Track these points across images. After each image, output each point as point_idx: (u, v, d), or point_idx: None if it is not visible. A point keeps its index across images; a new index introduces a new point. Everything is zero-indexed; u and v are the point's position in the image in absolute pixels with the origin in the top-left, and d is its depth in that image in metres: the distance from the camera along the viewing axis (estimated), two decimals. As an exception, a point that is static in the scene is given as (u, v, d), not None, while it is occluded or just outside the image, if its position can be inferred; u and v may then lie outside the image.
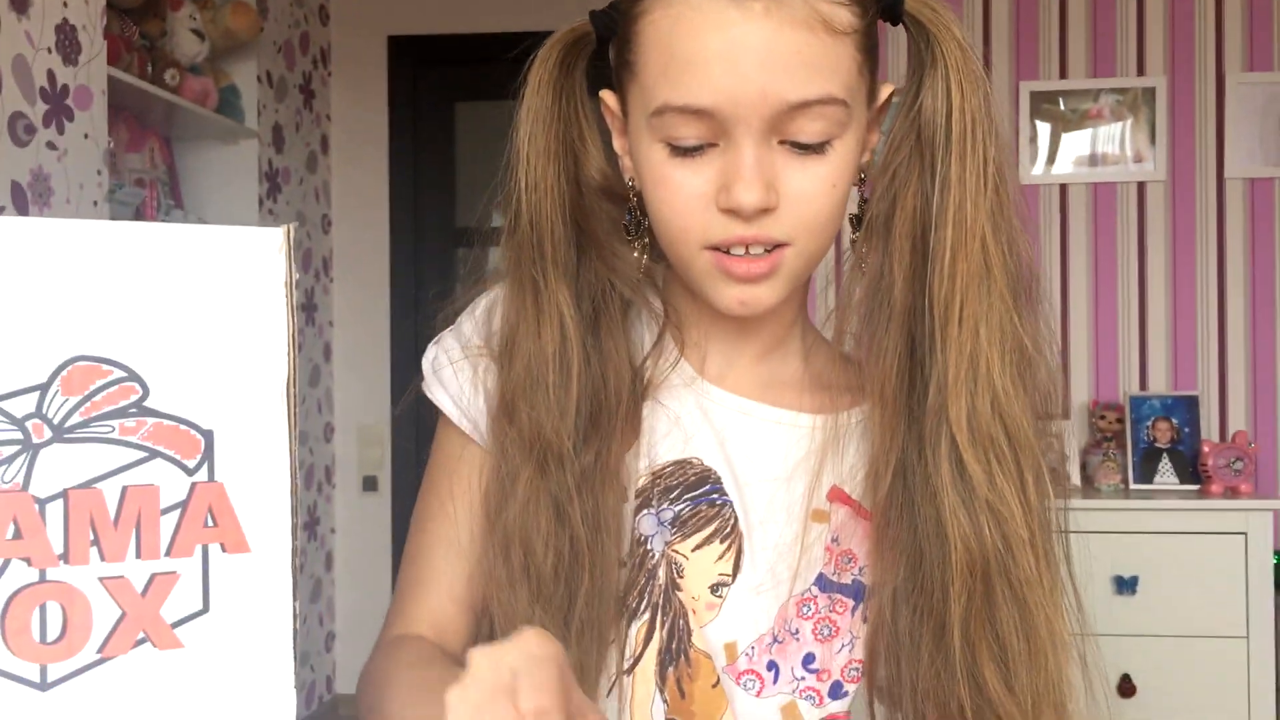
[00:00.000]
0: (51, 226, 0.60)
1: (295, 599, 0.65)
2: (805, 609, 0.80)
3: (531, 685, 0.54)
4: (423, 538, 0.86)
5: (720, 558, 0.80)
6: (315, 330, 3.83)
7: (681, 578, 0.80)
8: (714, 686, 0.80)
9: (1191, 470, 3.10)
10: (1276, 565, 2.84)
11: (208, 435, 0.63)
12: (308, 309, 3.77)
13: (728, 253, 0.75)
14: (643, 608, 0.80)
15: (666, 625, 0.80)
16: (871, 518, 0.80)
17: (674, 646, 0.80)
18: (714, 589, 0.80)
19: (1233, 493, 2.96)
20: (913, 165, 0.77)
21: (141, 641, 0.61)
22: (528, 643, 0.56)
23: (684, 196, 0.74)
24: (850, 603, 0.81)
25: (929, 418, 0.74)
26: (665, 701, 0.80)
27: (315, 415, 3.85)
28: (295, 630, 0.64)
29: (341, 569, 3.98)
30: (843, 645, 0.81)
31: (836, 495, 0.82)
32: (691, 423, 0.82)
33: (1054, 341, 0.80)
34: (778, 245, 0.75)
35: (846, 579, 0.81)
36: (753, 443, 0.81)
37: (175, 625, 0.62)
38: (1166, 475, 3.11)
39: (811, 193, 0.74)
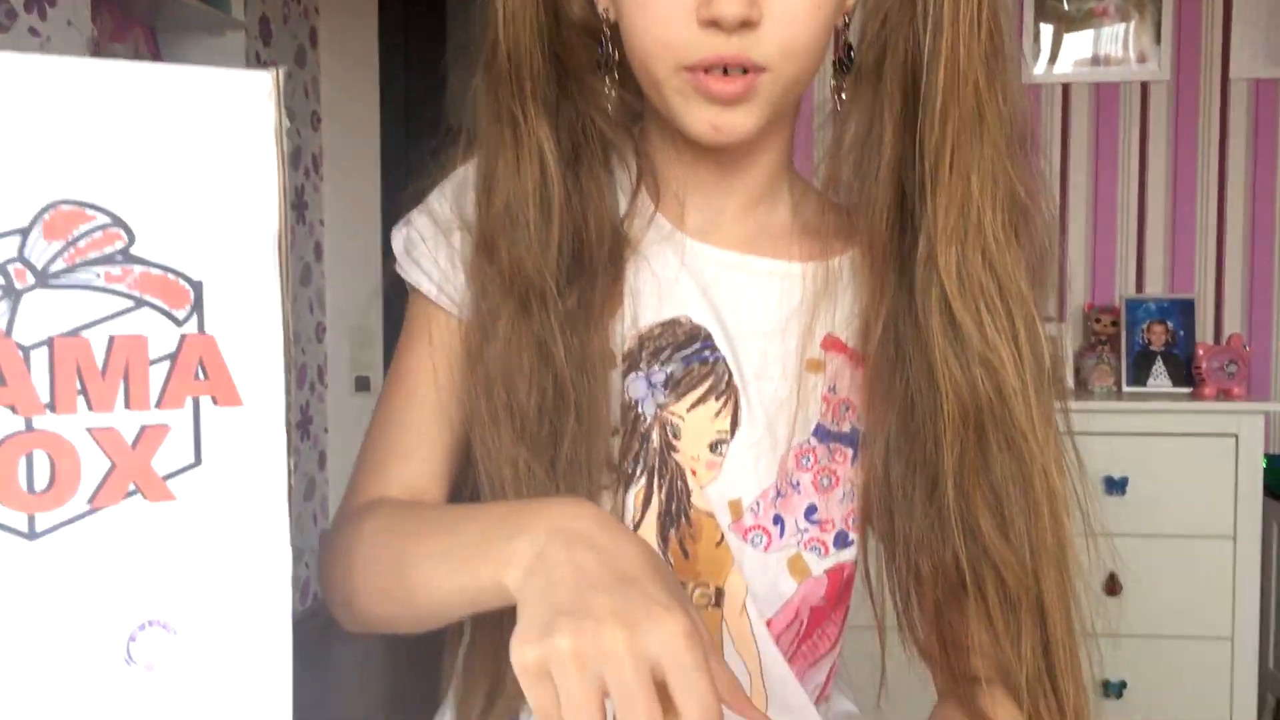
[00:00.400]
0: (31, 63, 0.58)
1: (290, 455, 0.63)
2: (804, 461, 0.79)
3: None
4: (401, 405, 0.84)
5: (717, 415, 0.79)
6: (306, 229, 3.79)
7: (678, 439, 0.79)
8: (718, 545, 0.79)
9: (1185, 373, 3.10)
10: (1266, 468, 2.86)
11: (196, 286, 0.61)
12: (298, 208, 3.73)
13: (705, 73, 0.72)
14: (638, 472, 0.79)
15: (664, 488, 0.79)
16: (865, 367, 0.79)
17: (673, 508, 0.79)
18: (713, 447, 0.79)
19: (1225, 395, 2.97)
20: (905, 8, 0.74)
21: (132, 493, 0.60)
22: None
23: (664, 8, 0.71)
24: (849, 452, 0.80)
25: (919, 268, 0.73)
26: (670, 564, 0.80)
27: (306, 315, 3.83)
28: (290, 486, 0.63)
29: (335, 469, 4.00)
30: (844, 495, 0.80)
31: (831, 343, 0.80)
32: (676, 280, 0.80)
33: (1050, 197, 0.78)
34: (756, 70, 0.72)
35: (845, 427, 0.80)
36: (742, 296, 0.80)
37: (167, 478, 0.60)
38: (1160, 378, 3.11)
39: (794, 13, 0.71)
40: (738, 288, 0.80)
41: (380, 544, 0.75)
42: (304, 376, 3.83)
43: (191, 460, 0.61)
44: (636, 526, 0.79)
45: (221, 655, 0.61)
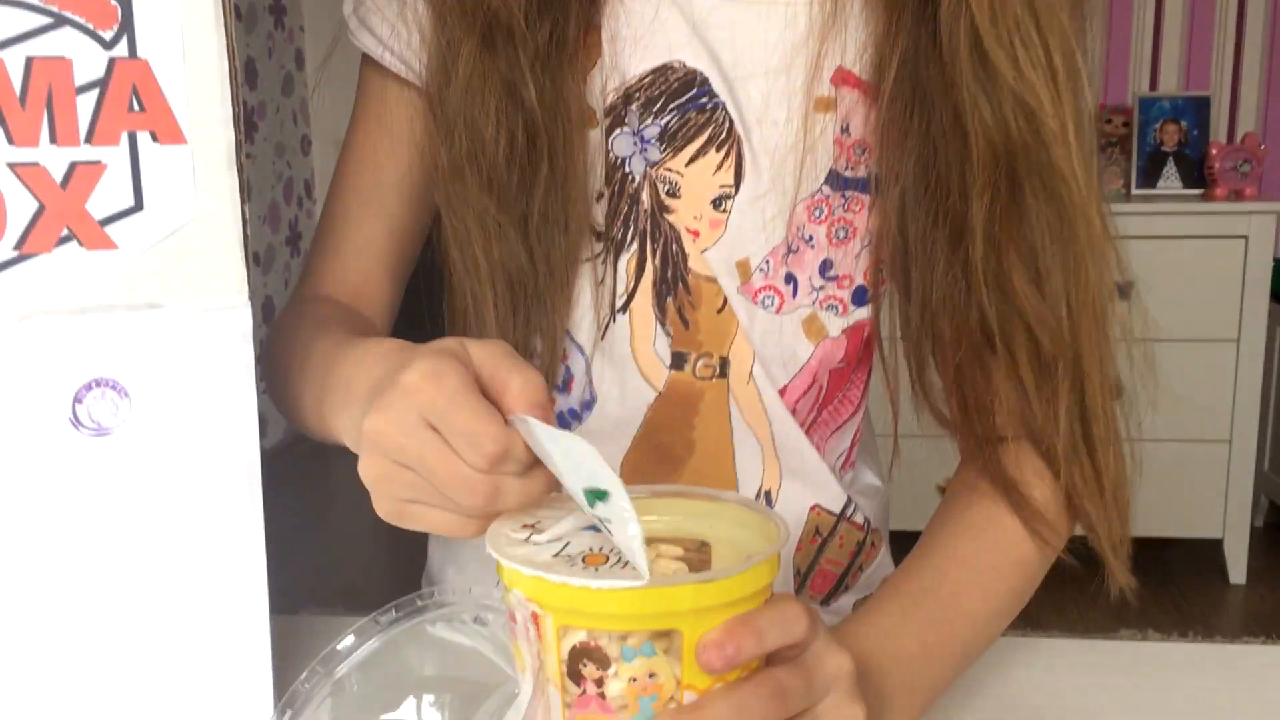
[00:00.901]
0: None
1: (243, 200, 0.57)
2: (817, 212, 0.72)
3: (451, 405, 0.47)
4: (343, 191, 0.78)
5: (719, 168, 0.71)
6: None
7: (677, 198, 0.72)
8: (719, 312, 0.74)
9: (1196, 174, 3.01)
10: (1274, 271, 2.80)
11: (124, 2, 0.53)
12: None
13: None
14: (629, 238, 0.73)
15: (658, 253, 0.73)
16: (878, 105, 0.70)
17: (670, 275, 0.73)
18: (716, 203, 0.72)
19: (1237, 196, 2.89)
20: None
21: (67, 239, 0.54)
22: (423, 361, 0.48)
23: None
24: (866, 199, 0.72)
25: None
26: (669, 334, 0.75)
27: (290, 127, 3.71)
28: (245, 235, 0.57)
29: (327, 286, 3.94)
30: (862, 247, 0.73)
31: (843, 78, 0.72)
32: (660, 20, 0.71)
33: None
34: None
35: (860, 172, 0.72)
36: (739, 31, 0.71)
37: (105, 223, 0.54)
38: (1171, 180, 3.02)
39: None
40: (734, 22, 0.71)
41: (282, 362, 0.72)
42: (290, 191, 3.74)
43: (131, 204, 0.55)
44: (630, 297, 0.74)
45: (179, 419, 0.56)
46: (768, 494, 0.78)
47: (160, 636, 0.57)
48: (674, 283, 0.73)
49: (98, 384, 0.55)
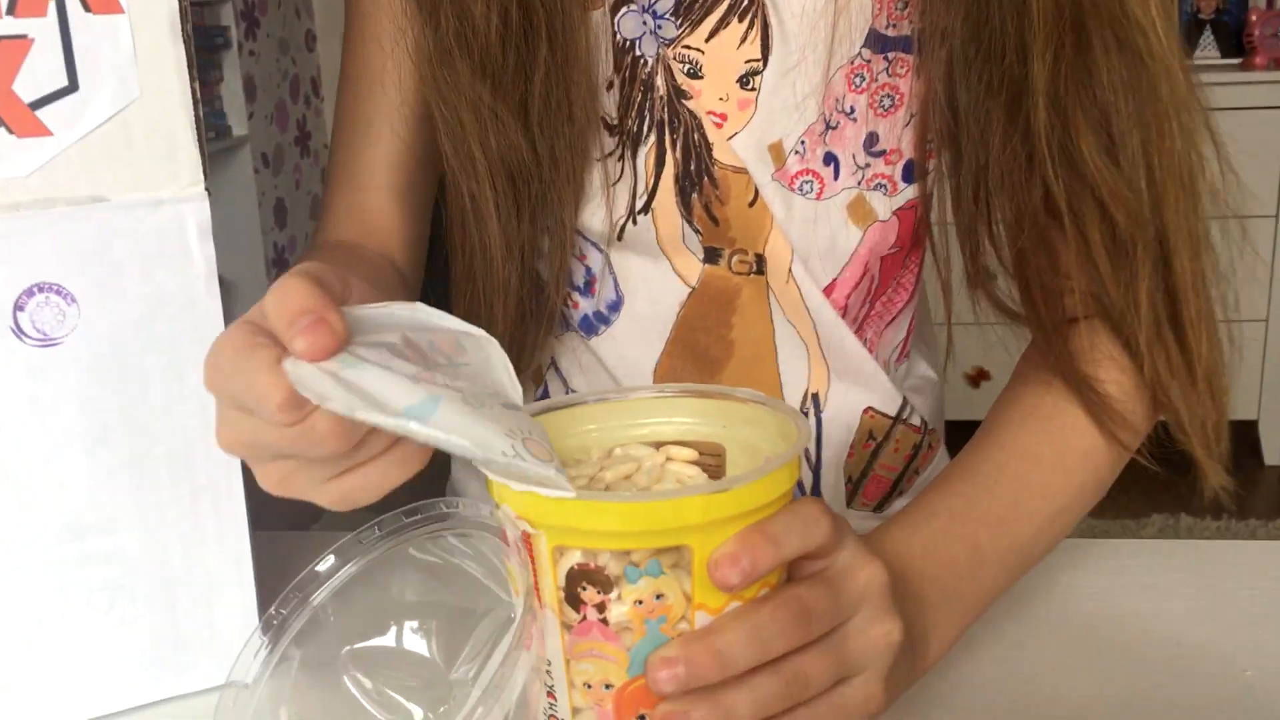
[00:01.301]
0: None
1: (192, 79, 0.51)
2: (857, 80, 0.65)
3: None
4: (342, 119, 0.72)
5: (744, 40, 0.64)
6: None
7: (698, 79, 0.64)
8: (751, 205, 0.67)
9: (1235, 43, 2.88)
10: (1316, 142, 2.69)
11: None
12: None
13: None
14: (645, 129, 0.66)
15: (679, 144, 0.66)
16: None
17: (693, 168, 0.66)
18: (743, 81, 0.65)
19: (1277, 65, 2.76)
20: None
21: (-8, 126, 0.48)
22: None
23: None
24: (911, 59, 0.64)
25: None
26: (698, 232, 0.68)
27: (294, 21, 3.60)
28: (198, 116, 0.51)
29: (339, 186, 3.87)
30: (910, 115, 0.66)
31: None
32: None
33: None
34: None
35: (905, 30, 0.64)
36: None
37: (35, 106, 0.48)
38: (1208, 49, 2.90)
39: None
40: None
41: None
42: (297, 91, 3.64)
43: (64, 84, 0.48)
44: (651, 195, 0.67)
45: (135, 327, 0.51)
46: (815, 397, 0.72)
47: (121, 563, 0.52)
48: (698, 176, 0.66)
49: (40, 289, 0.49)
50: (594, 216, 0.68)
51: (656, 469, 0.48)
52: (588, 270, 0.71)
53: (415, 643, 0.44)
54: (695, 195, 0.67)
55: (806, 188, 0.66)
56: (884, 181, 0.67)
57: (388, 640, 0.44)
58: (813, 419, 0.72)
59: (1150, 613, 0.59)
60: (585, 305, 0.72)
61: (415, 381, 0.38)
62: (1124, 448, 0.61)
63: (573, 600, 0.40)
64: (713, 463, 0.51)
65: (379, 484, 0.41)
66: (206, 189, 0.51)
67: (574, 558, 0.40)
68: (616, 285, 0.70)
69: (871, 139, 0.66)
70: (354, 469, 0.41)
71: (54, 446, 0.50)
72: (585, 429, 0.50)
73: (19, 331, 0.49)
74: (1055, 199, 0.58)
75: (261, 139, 3.31)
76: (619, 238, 0.69)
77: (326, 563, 0.45)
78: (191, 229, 0.51)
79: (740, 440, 0.49)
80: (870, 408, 0.73)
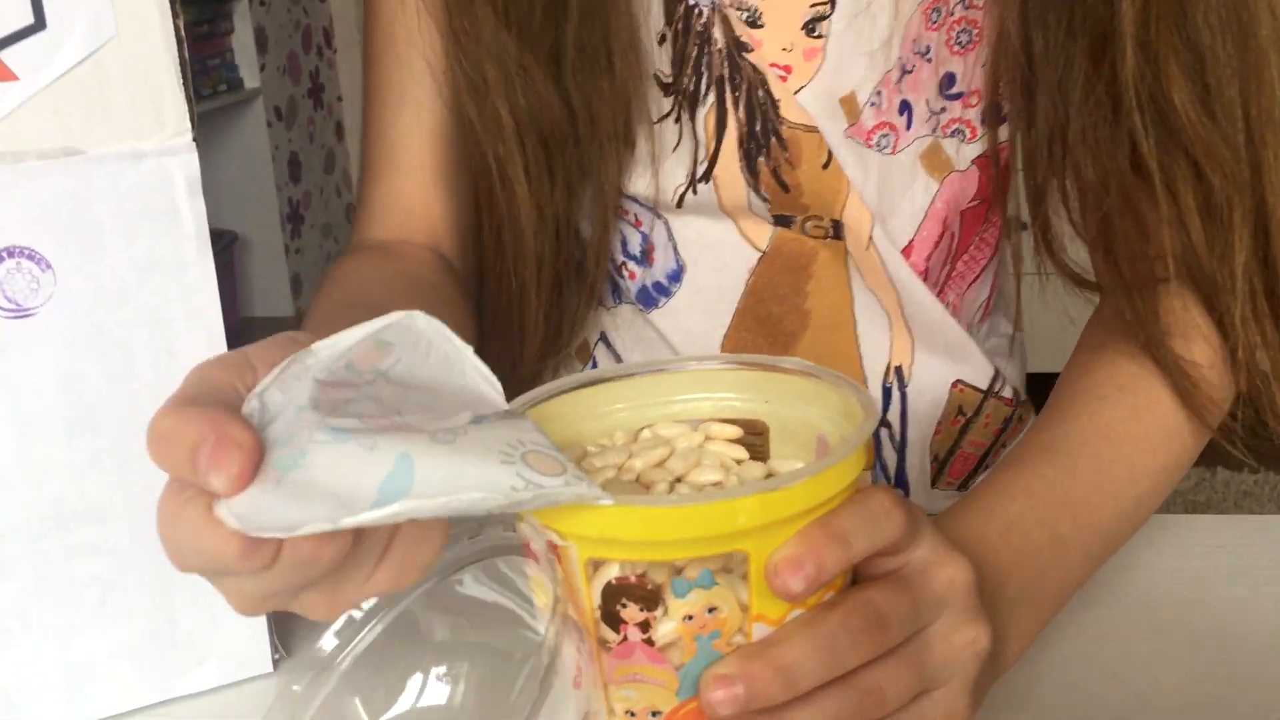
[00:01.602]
0: None
1: (175, 15, 0.45)
2: (934, 15, 0.58)
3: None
4: (371, 101, 0.66)
5: None
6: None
7: (758, 28, 0.58)
8: (825, 167, 0.61)
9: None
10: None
11: None
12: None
13: None
14: (703, 87, 0.60)
15: (741, 102, 0.60)
16: None
17: (758, 128, 0.60)
18: (809, 28, 0.58)
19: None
20: None
21: (-51, 69, 0.42)
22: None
23: None
24: None
25: None
26: (766, 200, 0.62)
27: (304, -31, 3.53)
28: (183, 57, 0.45)
29: (353, 139, 3.80)
30: (990, 52, 0.59)
31: None
32: None
33: None
34: None
35: None
36: None
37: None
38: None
39: None
40: None
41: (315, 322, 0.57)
42: (309, 41, 3.57)
43: (30, 21, 0.43)
44: (713, 161, 0.61)
45: (117, 295, 0.45)
46: (899, 370, 0.66)
47: (111, 555, 0.47)
48: (765, 137, 0.60)
49: (10, 254, 0.44)
50: (640, 181, 0.62)
51: (693, 452, 0.41)
52: (644, 237, 0.65)
53: (439, 691, 0.38)
54: (762, 159, 0.61)
55: (884, 142, 0.60)
56: (961, 127, 0.61)
57: (406, 699, 0.38)
58: (896, 394, 0.67)
59: (1247, 597, 0.54)
60: (642, 275, 0.66)
61: (370, 444, 0.31)
62: (1208, 428, 0.55)
63: (611, 619, 0.35)
64: (755, 442, 0.45)
65: (418, 559, 0.34)
66: (194, 139, 0.45)
67: (611, 571, 0.34)
68: (676, 253, 0.65)
69: (948, 80, 0.59)
70: (385, 551, 0.34)
71: (31, 429, 0.45)
72: (610, 409, 0.44)
73: (-12, 301, 0.44)
74: (1144, 158, 0.52)
75: (274, 92, 3.24)
76: (678, 204, 0.63)
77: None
78: (179, 184, 0.45)
79: (786, 417, 0.43)
80: (960, 380, 0.67)
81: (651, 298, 0.66)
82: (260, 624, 0.50)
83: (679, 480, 0.40)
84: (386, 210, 0.66)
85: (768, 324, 0.65)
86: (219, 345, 0.47)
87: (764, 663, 0.34)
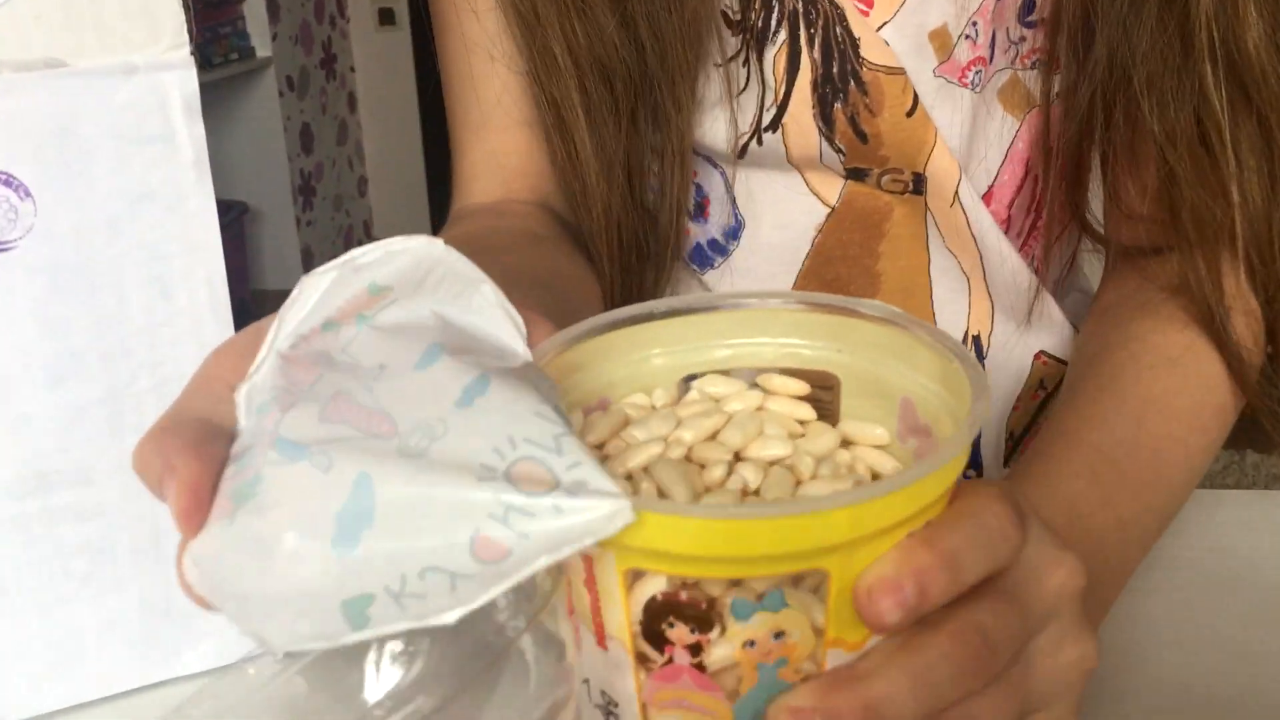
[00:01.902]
0: None
1: (173, -89, 0.40)
2: None
3: None
4: (444, 54, 0.60)
5: None
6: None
7: None
8: (910, 115, 0.55)
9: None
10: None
11: None
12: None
13: None
14: (774, 24, 0.54)
15: (816, 41, 0.54)
16: None
17: (836, 71, 0.55)
18: None
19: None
20: None
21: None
22: None
23: None
24: None
25: None
26: (841, 151, 0.56)
27: (316, -64, 3.47)
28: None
29: (366, 111, 3.75)
30: None
31: None
32: None
33: None
34: None
35: None
36: None
37: (-31, -59, 0.38)
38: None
39: None
40: None
41: None
42: (322, 10, 3.52)
43: (6, -88, 0.38)
44: (782, 108, 0.55)
45: (104, 227, 0.40)
46: (976, 339, 0.61)
47: (99, 519, 0.42)
48: (842, 82, 0.54)
49: (-15, 178, 0.39)
50: (710, 131, 0.56)
51: (752, 419, 0.35)
52: (699, 190, 0.60)
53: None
54: (839, 106, 0.55)
55: (976, 80, 0.54)
56: (1042, 58, 0.55)
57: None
58: None
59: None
60: (697, 232, 0.61)
61: (326, 462, 0.26)
62: (1241, 406, 0.50)
63: (653, 637, 0.28)
64: (824, 397, 0.39)
65: None
66: (192, 53, 0.40)
67: (656, 585, 0.28)
68: (735, 207, 0.59)
69: (1029, 5, 0.54)
70: None
71: (8, 377, 0.40)
72: (647, 354, 0.37)
73: (-41, 232, 0.39)
74: (1215, 111, 0.46)
75: (286, 61, 3.19)
76: (740, 155, 0.57)
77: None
78: (176, 103, 0.40)
79: (861, 372, 0.36)
80: (1043, 352, 0.62)
81: (707, 257, 0.61)
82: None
83: (738, 458, 0.33)
84: (486, 171, 0.60)
85: (834, 287, 0.60)
86: (219, 286, 0.42)
87: (850, 696, 0.27)
